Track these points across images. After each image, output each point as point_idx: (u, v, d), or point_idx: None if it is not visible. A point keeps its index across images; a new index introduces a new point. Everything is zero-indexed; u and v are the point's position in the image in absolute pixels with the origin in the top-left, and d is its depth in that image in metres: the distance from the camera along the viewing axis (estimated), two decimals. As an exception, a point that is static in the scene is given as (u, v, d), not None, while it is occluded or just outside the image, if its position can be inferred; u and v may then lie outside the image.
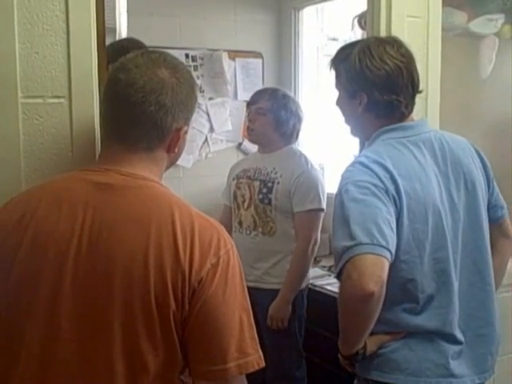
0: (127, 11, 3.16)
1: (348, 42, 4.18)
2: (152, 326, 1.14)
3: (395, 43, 1.66)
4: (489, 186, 1.76)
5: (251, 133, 2.94)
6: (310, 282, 3.13)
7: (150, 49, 1.36)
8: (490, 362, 1.72)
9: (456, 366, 1.62)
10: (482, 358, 1.70)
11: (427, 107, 1.86)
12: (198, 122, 3.82)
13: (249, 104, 2.96)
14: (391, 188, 1.55)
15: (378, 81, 1.63)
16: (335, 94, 1.77)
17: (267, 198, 2.82)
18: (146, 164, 1.25)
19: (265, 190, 2.83)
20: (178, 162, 4.27)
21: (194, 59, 3.80)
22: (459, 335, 1.65)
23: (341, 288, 1.49)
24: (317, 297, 3.08)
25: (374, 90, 1.64)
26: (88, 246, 1.16)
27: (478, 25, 2.19)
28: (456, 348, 1.64)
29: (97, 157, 1.46)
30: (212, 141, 3.93)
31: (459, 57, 2.17)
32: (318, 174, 2.86)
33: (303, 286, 2.84)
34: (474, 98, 2.25)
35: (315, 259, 3.60)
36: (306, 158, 2.88)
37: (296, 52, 4.10)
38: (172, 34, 3.69)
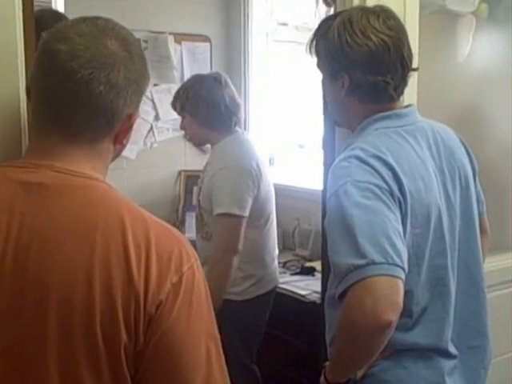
0: (63, -12, 2.89)
1: (299, 27, 4.08)
2: (98, 364, 0.91)
3: (382, 13, 1.45)
4: (474, 180, 1.60)
5: (191, 140, 2.76)
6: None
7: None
8: (483, 376, 1.56)
9: (452, 383, 1.45)
10: (475, 373, 1.54)
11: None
12: (142, 109, 3.50)
13: None
14: (395, 189, 1.34)
15: (359, 59, 1.42)
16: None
17: (198, 200, 2.59)
18: (89, 158, 1.01)
19: (199, 191, 2.61)
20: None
21: (137, 42, 3.55)
22: (452, 349, 1.48)
23: (346, 314, 1.26)
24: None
25: (356, 70, 1.43)
26: (14, 263, 0.92)
27: (455, 2, 2.04)
28: (451, 363, 1.47)
29: (23, 149, 1.21)
30: (157, 130, 3.71)
31: (435, 37, 2.02)
32: (239, 172, 2.45)
33: (246, 297, 2.54)
34: (449, 82, 2.11)
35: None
36: (241, 150, 2.52)
37: (245, 36, 3.92)
38: (113, 14, 3.31)
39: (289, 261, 3.31)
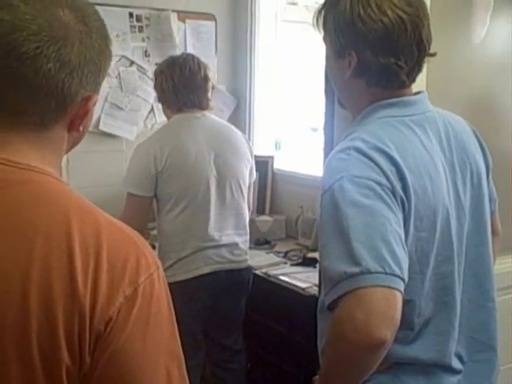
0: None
1: (310, 7, 3.92)
2: None
3: None
4: (487, 177, 1.45)
5: None
6: (264, 270, 2.84)
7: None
8: None
9: None
10: None
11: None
12: (142, 89, 3.50)
13: None
14: (398, 187, 1.20)
15: (371, 37, 1.26)
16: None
17: None
18: (37, 147, 0.88)
19: None
20: (121, 134, 3.87)
21: (138, 19, 3.43)
22: (457, 364, 1.35)
23: (336, 328, 1.13)
24: (272, 288, 2.78)
25: (366, 49, 1.27)
26: None
27: (471, -22, 1.88)
28: (454, 379, 1.34)
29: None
30: (158, 111, 3.55)
31: (448, 17, 1.85)
32: (137, 153, 2.56)
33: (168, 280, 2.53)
34: (463, 67, 1.95)
35: (269, 243, 3.32)
36: (160, 131, 2.67)
37: (252, 16, 3.77)
38: (114, -11, 3.30)
39: (291, 250, 3.19)
